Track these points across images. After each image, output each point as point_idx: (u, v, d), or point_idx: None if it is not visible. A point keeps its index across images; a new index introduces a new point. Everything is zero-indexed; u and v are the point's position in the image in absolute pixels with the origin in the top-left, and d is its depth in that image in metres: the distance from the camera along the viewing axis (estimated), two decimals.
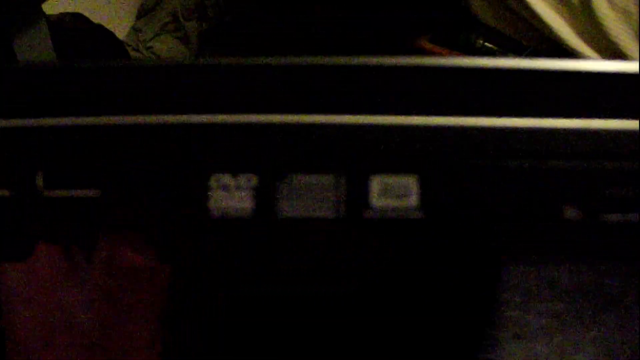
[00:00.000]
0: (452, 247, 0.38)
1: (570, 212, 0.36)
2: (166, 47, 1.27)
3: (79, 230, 0.39)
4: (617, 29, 0.96)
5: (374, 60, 0.35)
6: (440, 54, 1.06)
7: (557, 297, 0.40)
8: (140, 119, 0.34)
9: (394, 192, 0.35)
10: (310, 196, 0.35)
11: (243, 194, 0.35)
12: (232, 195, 0.35)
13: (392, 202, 0.35)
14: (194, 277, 0.42)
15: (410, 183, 0.35)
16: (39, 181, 0.35)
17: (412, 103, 0.35)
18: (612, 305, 0.40)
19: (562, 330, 0.40)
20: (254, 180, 0.35)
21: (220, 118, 0.35)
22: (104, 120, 0.34)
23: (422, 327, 0.42)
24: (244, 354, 0.43)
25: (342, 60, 0.35)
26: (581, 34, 0.99)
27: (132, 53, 1.26)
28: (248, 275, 0.40)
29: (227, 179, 0.35)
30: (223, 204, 0.35)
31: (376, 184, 0.36)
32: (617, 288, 0.39)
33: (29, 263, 0.41)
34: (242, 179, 0.35)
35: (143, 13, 1.36)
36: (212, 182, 0.35)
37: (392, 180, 0.35)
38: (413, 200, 0.36)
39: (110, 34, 1.17)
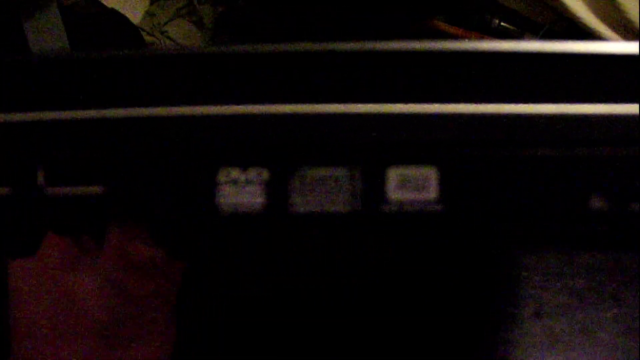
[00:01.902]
0: (472, 238, 0.37)
1: (596, 202, 0.35)
2: (181, 32, 1.27)
3: (86, 224, 0.38)
4: (634, 7, 0.95)
5: (390, 45, 0.34)
6: (456, 35, 1.05)
7: (577, 274, 0.39)
8: (144, 111, 0.33)
9: (412, 185, 0.34)
10: (323, 190, 0.34)
11: (253, 188, 0.34)
12: (241, 190, 0.34)
13: (410, 195, 0.34)
14: (205, 272, 0.42)
15: (429, 175, 0.34)
16: (40, 178, 0.34)
17: (430, 90, 0.34)
18: (632, 282, 0.40)
19: (583, 308, 0.40)
20: (265, 174, 0.34)
21: (228, 109, 0.33)
22: (106, 113, 0.33)
23: (442, 317, 0.42)
24: (260, 349, 0.43)
25: (355, 45, 0.33)
26: (598, 12, 0.98)
27: (147, 37, 1.26)
28: (260, 271, 0.39)
29: (236, 173, 0.34)
30: (233, 199, 0.34)
31: (393, 176, 0.34)
32: (638, 265, 0.39)
33: (37, 255, 0.40)
34: (252, 173, 0.34)
35: None
36: (221, 177, 0.34)
37: (409, 172, 0.34)
38: (432, 192, 0.34)
39: (124, 19, 1.17)
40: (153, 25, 1.29)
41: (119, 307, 0.41)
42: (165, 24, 1.28)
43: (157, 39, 1.28)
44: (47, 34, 0.80)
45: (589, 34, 0.99)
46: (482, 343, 0.42)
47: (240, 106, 0.33)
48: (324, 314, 0.41)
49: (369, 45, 0.34)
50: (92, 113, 0.33)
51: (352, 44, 0.33)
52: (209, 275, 0.42)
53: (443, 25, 1.08)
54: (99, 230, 0.39)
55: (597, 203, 0.35)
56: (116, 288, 0.40)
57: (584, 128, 0.34)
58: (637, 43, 0.34)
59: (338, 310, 0.41)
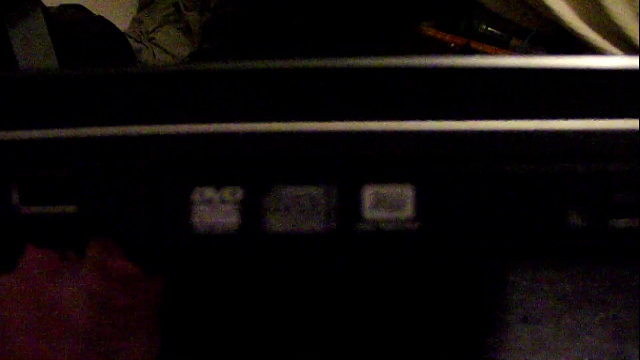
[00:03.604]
0: (451, 256, 0.37)
1: (575, 218, 0.35)
2: (168, 38, 1.27)
3: (65, 240, 0.38)
4: (621, 12, 0.96)
5: (363, 61, 0.33)
6: (443, 40, 1.06)
7: (565, 279, 0.39)
8: (116, 130, 0.33)
9: (388, 203, 0.34)
10: (299, 209, 0.34)
11: (228, 208, 0.34)
12: (216, 209, 0.34)
13: (386, 214, 0.34)
14: (184, 290, 0.41)
15: (405, 193, 0.34)
16: (15, 197, 0.34)
17: (405, 107, 0.34)
18: (619, 286, 0.39)
19: (570, 312, 0.40)
20: (239, 193, 0.34)
21: (202, 127, 0.33)
22: (77, 132, 0.33)
23: (429, 324, 0.41)
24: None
25: (329, 62, 0.33)
26: (585, 17, 0.98)
27: (134, 45, 1.26)
28: (235, 291, 0.39)
29: (210, 192, 0.34)
30: (207, 218, 0.34)
31: (369, 194, 0.34)
32: (625, 269, 0.39)
33: (18, 266, 0.40)
34: (227, 192, 0.34)
35: (145, 4, 1.36)
36: (195, 196, 0.34)
37: (385, 190, 0.34)
38: (409, 210, 0.34)
39: (111, 26, 1.17)
40: (140, 32, 1.30)
41: (99, 318, 0.41)
42: (153, 30, 1.28)
43: (145, 45, 1.28)
44: (33, 42, 0.80)
45: (580, 42, 0.99)
46: (469, 349, 0.42)
47: (213, 124, 0.33)
48: (301, 335, 0.41)
49: (343, 62, 0.33)
50: (65, 132, 0.33)
51: (325, 60, 0.33)
52: (188, 292, 0.42)
53: (431, 31, 1.08)
54: (78, 245, 0.39)
55: (577, 219, 0.35)
56: (97, 299, 0.40)
57: (562, 143, 0.34)
58: (637, 57, 0.34)
59: (315, 330, 0.40)
